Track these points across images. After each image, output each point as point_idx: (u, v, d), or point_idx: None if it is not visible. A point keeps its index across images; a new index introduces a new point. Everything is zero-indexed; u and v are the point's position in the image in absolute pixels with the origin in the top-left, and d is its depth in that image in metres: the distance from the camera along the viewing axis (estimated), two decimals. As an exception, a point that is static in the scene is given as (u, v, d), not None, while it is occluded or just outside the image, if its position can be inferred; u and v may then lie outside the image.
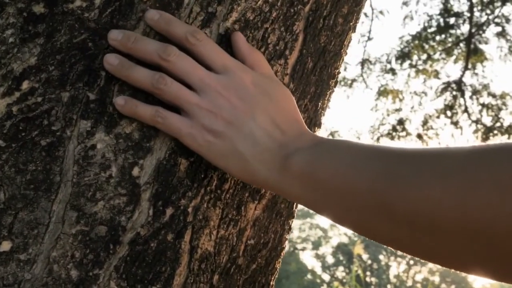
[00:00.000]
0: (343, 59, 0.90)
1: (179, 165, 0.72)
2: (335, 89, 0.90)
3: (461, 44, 10.06)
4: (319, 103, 0.86)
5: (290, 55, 0.80)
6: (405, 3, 10.32)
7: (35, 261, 0.66)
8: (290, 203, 0.84)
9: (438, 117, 10.15)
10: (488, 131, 9.69)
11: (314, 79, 0.84)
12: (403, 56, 10.49)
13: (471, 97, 9.91)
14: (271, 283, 0.84)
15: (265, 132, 0.70)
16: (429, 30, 10.21)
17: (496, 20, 9.48)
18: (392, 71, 10.66)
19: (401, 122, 10.48)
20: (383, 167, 0.61)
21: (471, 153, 0.55)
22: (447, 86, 9.93)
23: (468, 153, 0.55)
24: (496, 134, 9.70)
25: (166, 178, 0.71)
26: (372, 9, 9.65)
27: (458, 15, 9.91)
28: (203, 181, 0.73)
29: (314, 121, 0.86)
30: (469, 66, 9.66)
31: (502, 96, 9.84)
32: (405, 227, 0.57)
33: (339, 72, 0.90)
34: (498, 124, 9.83)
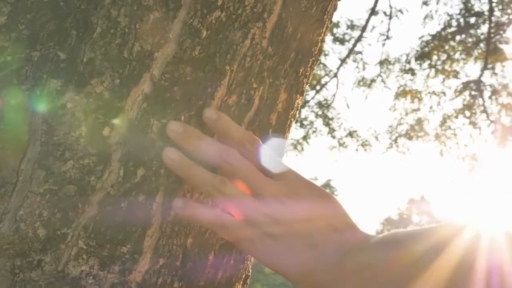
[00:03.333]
0: (327, 27, 0.88)
1: (152, 126, 0.70)
2: (319, 58, 0.89)
3: (481, 44, 9.96)
4: (300, 70, 0.84)
5: (269, 18, 0.78)
6: (425, 3, 10.23)
7: (2, 220, 0.65)
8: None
9: (456, 117, 10.06)
10: (506, 132, 9.58)
11: (295, 44, 0.82)
12: (422, 56, 10.40)
13: (490, 97, 9.80)
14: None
15: (323, 235, 0.71)
16: (449, 30, 10.11)
17: (516, 19, 9.38)
18: (411, 71, 10.57)
19: (419, 122, 10.40)
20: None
21: None
22: (466, 86, 9.83)
23: None
24: (515, 134, 9.59)
25: (138, 139, 0.70)
26: (391, 8, 9.60)
27: (478, 14, 9.82)
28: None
29: (296, 88, 0.84)
30: (489, 65, 9.56)
31: (522, 96, 9.72)
32: None
33: (323, 40, 0.88)
34: (517, 124, 9.71)
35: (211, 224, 0.71)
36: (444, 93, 10.33)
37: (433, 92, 10.44)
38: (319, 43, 0.87)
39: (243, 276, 0.83)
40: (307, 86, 0.88)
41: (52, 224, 0.66)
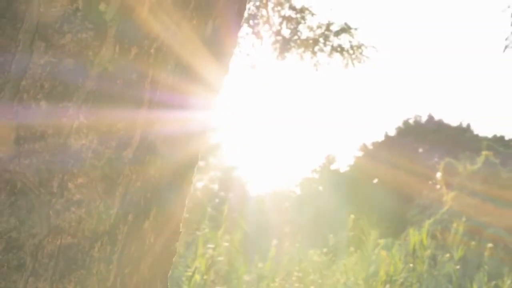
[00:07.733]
0: None
1: (144, 4, 0.71)
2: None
3: (267, -45, 10.19)
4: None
5: None
6: None
7: (2, 89, 0.63)
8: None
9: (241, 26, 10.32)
10: (286, 43, 10.06)
11: None
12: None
13: (273, 9, 10.16)
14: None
15: None
16: None
17: None
18: (198, -24, 10.57)
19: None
20: None
21: None
22: (251, -4, 10.08)
23: None
24: (294, 47, 10.10)
25: (131, 17, 0.70)
26: None
27: None
28: (163, 24, 0.73)
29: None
30: (273, -22, 9.86)
31: (302, 10, 10.19)
32: None
33: None
34: (295, 37, 10.22)
35: None
36: (230, 1, 10.49)
37: (220, 0, 10.56)
38: None
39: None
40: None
41: (53, 97, 0.65)
